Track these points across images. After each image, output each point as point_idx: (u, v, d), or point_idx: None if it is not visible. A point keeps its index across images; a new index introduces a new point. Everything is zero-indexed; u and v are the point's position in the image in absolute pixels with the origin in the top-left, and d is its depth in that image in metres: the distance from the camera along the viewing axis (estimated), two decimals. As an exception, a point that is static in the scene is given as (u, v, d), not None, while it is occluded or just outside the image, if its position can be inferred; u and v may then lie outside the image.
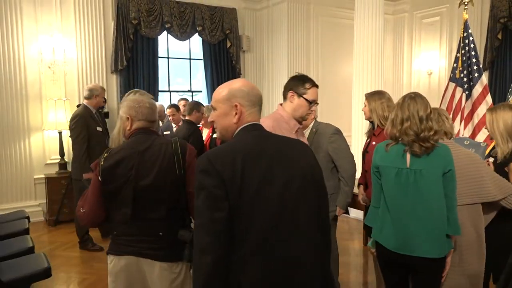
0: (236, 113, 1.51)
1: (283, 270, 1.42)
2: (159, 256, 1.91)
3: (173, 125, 5.38)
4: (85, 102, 4.53)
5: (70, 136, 4.51)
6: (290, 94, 2.40)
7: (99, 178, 1.91)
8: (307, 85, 2.38)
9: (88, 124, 4.35)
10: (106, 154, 1.94)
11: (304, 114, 2.41)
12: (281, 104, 2.45)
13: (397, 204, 2.13)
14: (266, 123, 2.11)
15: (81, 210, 1.98)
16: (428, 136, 2.07)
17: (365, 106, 3.10)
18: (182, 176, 1.93)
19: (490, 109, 2.68)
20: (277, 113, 2.43)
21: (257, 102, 1.56)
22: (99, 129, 4.49)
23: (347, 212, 3.27)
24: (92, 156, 4.17)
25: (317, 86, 2.45)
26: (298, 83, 2.39)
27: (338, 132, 3.02)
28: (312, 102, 2.40)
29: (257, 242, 1.39)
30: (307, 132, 3.06)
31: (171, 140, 2.00)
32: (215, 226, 1.35)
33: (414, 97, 2.17)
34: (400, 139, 2.13)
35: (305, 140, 2.42)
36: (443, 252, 2.10)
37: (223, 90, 1.55)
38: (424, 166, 2.08)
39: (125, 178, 1.89)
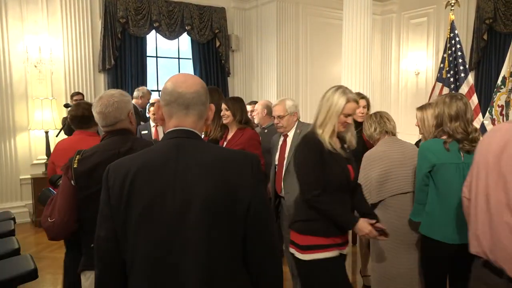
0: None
1: None
2: None
3: (152, 124, 5.08)
4: (133, 101, 5.07)
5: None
6: None
7: (72, 182, 1.77)
8: None
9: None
10: (78, 156, 1.80)
11: None
12: None
13: (457, 199, 2.21)
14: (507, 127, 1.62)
15: (49, 220, 1.79)
16: (476, 136, 2.27)
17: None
18: None
19: (420, 107, 2.90)
20: None
21: (174, 101, 1.26)
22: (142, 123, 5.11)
23: None
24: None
25: None
26: None
27: None
28: None
29: (141, 273, 1.21)
30: (291, 133, 3.06)
31: (152, 143, 1.90)
32: (98, 244, 1.27)
33: (461, 98, 2.35)
34: (452, 136, 2.29)
35: None
36: None
37: None
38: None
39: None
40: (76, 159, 1.79)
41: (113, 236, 1.23)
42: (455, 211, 2.25)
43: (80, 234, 1.89)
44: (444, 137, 2.32)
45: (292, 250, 2.21)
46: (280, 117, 3.03)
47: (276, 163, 3.10)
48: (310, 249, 2.13)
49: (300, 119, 3.21)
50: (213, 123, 3.46)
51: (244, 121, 3.24)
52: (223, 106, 3.25)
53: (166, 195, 1.19)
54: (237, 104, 3.25)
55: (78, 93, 5.51)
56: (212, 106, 1.35)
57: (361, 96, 3.45)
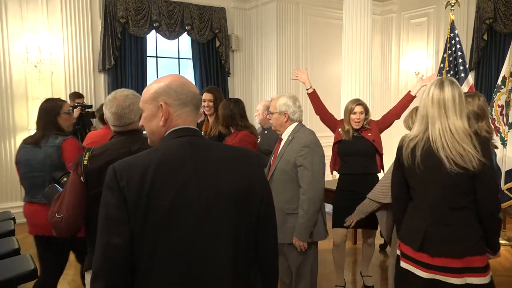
0: (162, 115, 1.28)
1: None
2: None
3: None
4: None
5: None
6: None
7: (82, 179, 1.77)
8: None
9: None
10: (88, 154, 1.80)
11: None
12: None
13: None
14: None
15: (57, 216, 1.79)
16: (491, 136, 2.23)
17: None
18: None
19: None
20: None
21: (190, 101, 1.30)
22: None
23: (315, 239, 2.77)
24: None
25: None
26: None
27: (311, 145, 2.64)
28: None
29: (163, 278, 1.18)
30: (284, 137, 2.77)
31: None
32: (109, 252, 1.16)
33: (480, 96, 2.28)
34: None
35: None
36: None
37: (150, 88, 1.32)
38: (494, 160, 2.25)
39: None
40: (86, 156, 1.79)
41: (129, 242, 1.16)
42: None
43: (86, 232, 1.90)
44: None
45: (474, 279, 1.81)
46: (271, 113, 2.82)
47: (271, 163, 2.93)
48: (488, 267, 1.87)
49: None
50: (215, 122, 3.47)
51: (228, 124, 3.24)
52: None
53: (191, 190, 1.20)
54: (221, 110, 3.25)
55: (80, 96, 5.50)
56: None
57: (357, 102, 3.43)
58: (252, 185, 1.29)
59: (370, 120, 3.51)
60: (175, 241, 1.18)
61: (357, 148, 3.41)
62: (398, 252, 2.03)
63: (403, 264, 1.95)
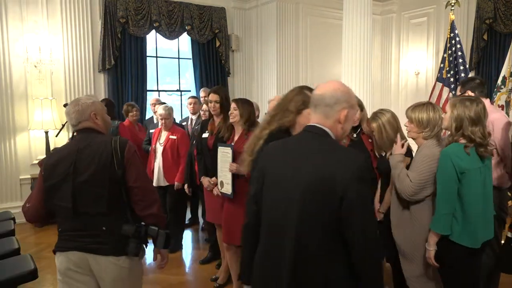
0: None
1: (266, 266, 1.59)
2: (104, 250, 1.96)
3: (154, 118, 5.38)
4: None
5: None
6: None
7: (42, 173, 2.05)
8: None
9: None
10: (51, 151, 2.08)
11: None
12: None
13: (480, 201, 2.27)
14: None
15: (26, 206, 2.11)
16: (489, 141, 2.27)
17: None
18: (121, 172, 1.96)
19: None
20: None
21: (313, 103, 1.63)
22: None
23: None
24: None
25: None
26: None
27: None
28: None
29: (263, 229, 1.64)
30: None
31: (111, 138, 2.05)
32: (247, 198, 1.73)
33: (481, 102, 2.29)
34: (474, 140, 2.24)
35: None
36: None
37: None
38: (487, 161, 2.31)
39: (64, 175, 1.98)
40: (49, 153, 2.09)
41: (253, 195, 1.69)
42: (481, 215, 2.25)
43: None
44: (463, 141, 2.25)
45: None
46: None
47: None
48: None
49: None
50: (224, 122, 3.48)
51: (250, 124, 3.25)
52: (232, 105, 3.28)
53: (282, 175, 1.55)
54: (246, 106, 3.27)
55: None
56: (345, 110, 1.57)
57: None
58: (334, 182, 1.42)
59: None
60: (267, 208, 1.61)
61: None
62: None
63: None
